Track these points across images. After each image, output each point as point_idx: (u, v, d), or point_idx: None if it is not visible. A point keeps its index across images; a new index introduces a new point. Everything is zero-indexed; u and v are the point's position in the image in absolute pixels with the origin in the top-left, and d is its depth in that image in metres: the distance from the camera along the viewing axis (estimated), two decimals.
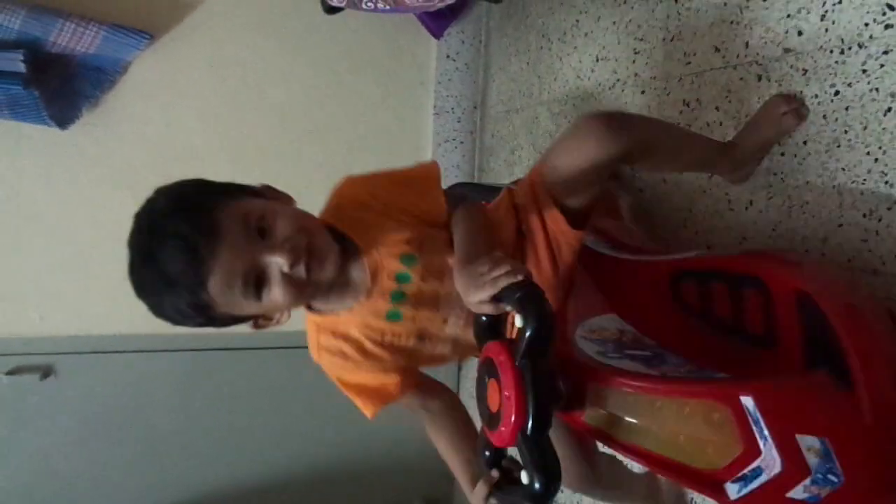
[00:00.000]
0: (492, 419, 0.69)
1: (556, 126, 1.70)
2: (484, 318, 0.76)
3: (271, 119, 1.97)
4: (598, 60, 1.50)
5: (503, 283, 0.68)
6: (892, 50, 0.83)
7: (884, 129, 0.85)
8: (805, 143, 0.96)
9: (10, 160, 1.70)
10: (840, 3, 0.90)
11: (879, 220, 0.86)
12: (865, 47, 0.87)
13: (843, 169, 0.90)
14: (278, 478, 2.22)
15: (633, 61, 1.37)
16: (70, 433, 1.94)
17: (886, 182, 0.85)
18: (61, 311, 1.83)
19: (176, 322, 0.77)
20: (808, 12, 0.95)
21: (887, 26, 0.84)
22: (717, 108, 1.13)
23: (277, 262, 0.75)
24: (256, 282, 0.76)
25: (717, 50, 1.13)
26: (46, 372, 1.85)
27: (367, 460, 2.26)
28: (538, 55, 1.78)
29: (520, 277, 0.68)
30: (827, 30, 0.92)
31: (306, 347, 0.96)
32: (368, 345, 0.90)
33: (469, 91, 2.17)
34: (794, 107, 0.95)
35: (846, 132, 0.90)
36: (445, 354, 0.96)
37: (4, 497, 1.92)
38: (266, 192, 0.85)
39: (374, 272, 0.87)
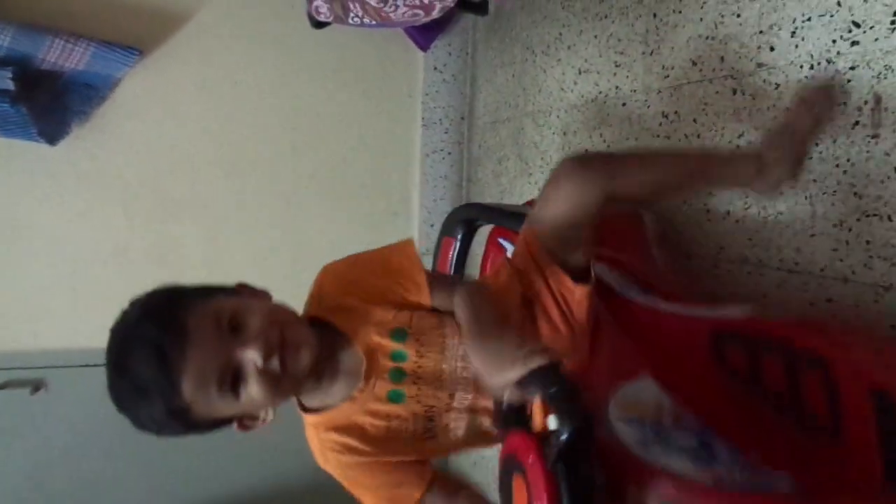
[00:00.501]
0: None
1: (541, 137, 1.72)
2: (505, 404, 0.69)
3: (262, 132, 1.98)
4: (580, 73, 1.53)
5: (532, 364, 0.64)
6: (858, 66, 0.86)
7: (852, 142, 0.87)
8: None
9: (3, 177, 1.72)
10: (809, 20, 0.93)
11: (850, 231, 0.88)
12: (833, 63, 0.89)
13: (814, 181, 0.93)
14: (276, 487, 2.22)
15: (615, 74, 1.39)
16: (61, 447, 1.95)
17: (855, 193, 0.87)
18: (52, 325, 1.84)
19: (158, 432, 0.75)
20: (780, 29, 0.98)
21: (853, 43, 0.87)
22: (694, 121, 1.16)
23: (250, 357, 0.74)
24: (233, 380, 0.74)
25: (695, 64, 1.16)
26: (37, 386, 1.85)
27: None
28: (523, 67, 1.81)
29: (549, 360, 0.63)
30: (797, 46, 0.95)
31: None
32: (375, 432, 0.85)
33: (456, 102, 2.19)
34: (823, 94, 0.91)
35: (817, 145, 0.92)
36: (459, 438, 0.90)
37: None
38: (241, 291, 0.84)
39: (368, 354, 0.85)
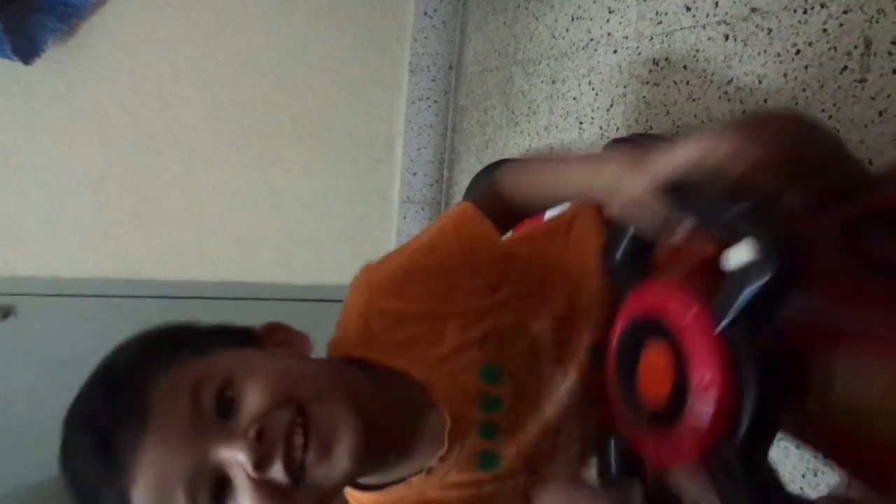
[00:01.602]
0: (654, 414, 0.42)
1: (529, 86, 1.71)
2: (628, 240, 0.49)
3: (246, 70, 1.94)
4: (573, 20, 1.51)
5: (701, 153, 0.42)
6: (851, 10, 0.87)
7: (839, 87, 0.88)
8: (766, 101, 1.00)
9: None
10: None
11: None
12: (826, 7, 0.90)
13: None
14: None
15: (608, 21, 1.38)
16: (31, 377, 1.93)
17: None
18: (25, 251, 1.81)
19: None
20: None
21: None
22: (684, 68, 1.16)
23: (235, 460, 0.49)
24: (217, 488, 0.49)
25: (688, 9, 1.16)
26: (6, 312, 1.83)
27: None
28: (515, 14, 1.79)
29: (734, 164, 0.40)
30: None
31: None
32: None
33: (445, 50, 2.16)
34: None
35: (804, 90, 0.93)
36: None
37: None
38: (268, 337, 0.60)
39: (451, 406, 0.60)
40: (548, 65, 1.63)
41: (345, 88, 2.07)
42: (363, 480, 0.62)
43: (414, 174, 2.16)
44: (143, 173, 1.87)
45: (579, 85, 1.48)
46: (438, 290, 0.64)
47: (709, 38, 1.11)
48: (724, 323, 0.38)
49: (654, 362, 0.42)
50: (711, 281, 0.40)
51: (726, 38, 1.07)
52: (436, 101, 2.19)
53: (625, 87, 1.32)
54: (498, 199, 0.68)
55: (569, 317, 0.67)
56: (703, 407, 0.38)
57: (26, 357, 1.90)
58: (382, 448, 0.57)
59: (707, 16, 1.11)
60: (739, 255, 0.37)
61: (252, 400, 0.51)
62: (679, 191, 0.43)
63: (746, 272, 0.37)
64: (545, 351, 0.65)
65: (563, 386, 0.64)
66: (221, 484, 0.50)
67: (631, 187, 0.46)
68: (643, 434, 0.44)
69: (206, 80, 1.89)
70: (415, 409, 0.60)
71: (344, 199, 2.22)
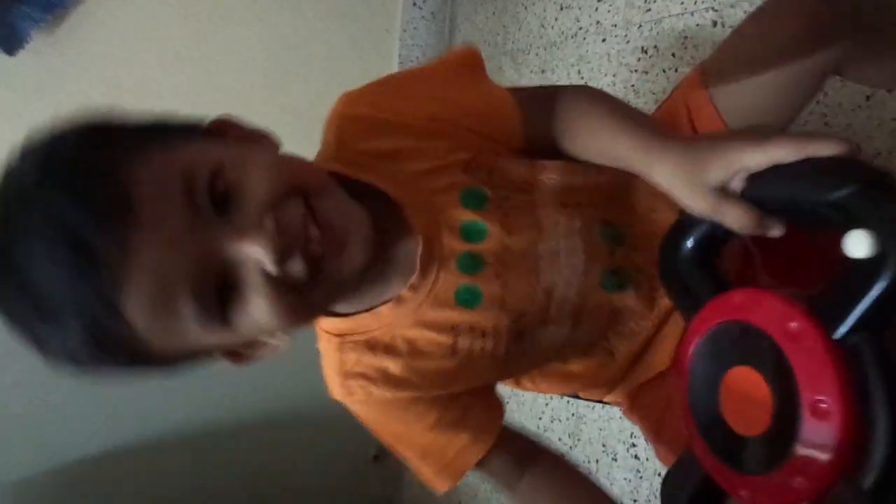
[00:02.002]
0: (747, 446, 0.34)
1: (519, 76, 1.71)
2: (701, 234, 0.44)
3: (234, 61, 1.93)
4: (562, 9, 1.51)
5: (796, 152, 0.36)
6: None
7: None
8: None
9: None
10: None
11: None
12: None
13: None
14: (229, 423, 2.22)
15: (596, 9, 1.38)
16: (22, 370, 1.92)
17: (826, 123, 0.89)
18: None
19: (80, 368, 0.45)
20: None
21: None
22: (673, 55, 1.16)
23: (253, 256, 0.44)
24: (218, 291, 0.44)
25: None
26: None
27: (319, 407, 2.28)
28: (504, 4, 1.78)
29: (838, 149, 0.35)
30: None
31: None
32: (431, 354, 0.57)
33: (434, 41, 2.16)
34: None
35: None
36: (554, 347, 0.61)
37: None
38: (227, 130, 0.52)
39: (426, 231, 0.54)
40: (537, 54, 1.62)
41: (334, 80, 2.06)
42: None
43: None
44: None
45: (568, 74, 1.48)
46: (423, 108, 0.58)
47: (697, 25, 1.10)
48: (841, 330, 0.29)
49: (744, 381, 0.34)
50: (815, 281, 0.33)
51: (714, 24, 1.07)
52: None
53: (614, 75, 1.32)
54: (546, 109, 0.58)
55: (577, 170, 0.60)
56: (818, 438, 0.29)
57: (15, 353, 1.88)
58: (363, 269, 0.52)
59: (695, 2, 1.11)
60: (855, 247, 0.30)
61: (256, 190, 0.45)
62: (772, 182, 0.37)
63: (866, 268, 0.30)
64: (545, 192, 0.58)
65: (564, 242, 0.57)
66: (225, 285, 0.45)
67: (710, 179, 0.41)
68: (730, 471, 0.35)
69: (192, 70, 1.88)
70: (388, 231, 0.54)
71: None
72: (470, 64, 0.61)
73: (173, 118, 0.51)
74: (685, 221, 0.45)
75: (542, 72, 1.60)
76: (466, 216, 0.55)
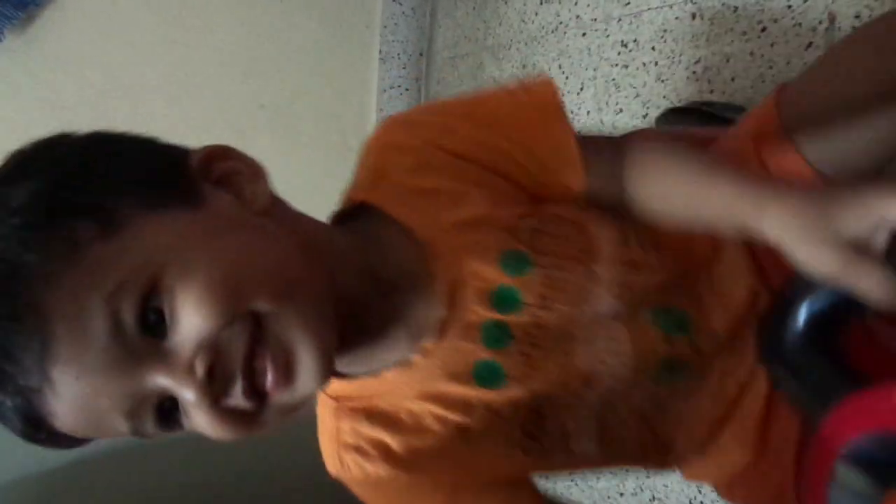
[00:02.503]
0: None
1: (500, 71, 1.70)
2: (817, 310, 0.36)
3: (211, 57, 1.91)
4: (542, 3, 1.50)
5: None
6: None
7: (804, 62, 0.88)
8: (733, 79, 1.00)
9: None
10: None
11: None
12: None
13: None
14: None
15: (576, 3, 1.38)
16: None
17: None
18: None
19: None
20: None
21: None
22: (653, 48, 1.16)
23: (183, 397, 0.40)
24: (162, 406, 0.41)
25: None
26: None
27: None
28: None
29: None
30: None
31: None
32: (438, 431, 0.50)
33: (415, 37, 2.14)
34: None
35: (770, 68, 0.93)
36: (586, 453, 0.52)
37: None
38: (207, 168, 0.46)
39: (451, 288, 0.48)
40: (518, 49, 1.62)
41: (314, 76, 2.04)
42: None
43: None
44: None
45: (549, 69, 1.47)
46: (474, 149, 0.51)
47: (676, 18, 1.10)
48: None
49: None
50: None
51: (693, 16, 1.07)
52: (407, 89, 2.17)
53: (594, 69, 1.31)
54: (613, 163, 0.51)
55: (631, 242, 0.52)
56: None
57: None
58: (355, 333, 0.47)
59: None
60: None
61: (192, 317, 0.38)
62: None
63: None
64: (598, 263, 0.50)
65: (604, 327, 0.50)
66: (166, 404, 0.41)
67: (842, 229, 0.33)
68: None
69: (168, 67, 1.85)
70: (405, 280, 0.48)
71: (314, 188, 2.20)
72: (543, 102, 0.52)
73: (140, 163, 0.44)
74: (797, 290, 0.36)
75: (524, 67, 1.59)
76: (503, 280, 0.48)
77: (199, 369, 0.39)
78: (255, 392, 0.41)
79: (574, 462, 0.53)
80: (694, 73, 1.06)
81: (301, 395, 0.43)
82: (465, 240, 0.48)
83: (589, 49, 1.33)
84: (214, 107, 1.92)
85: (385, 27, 2.09)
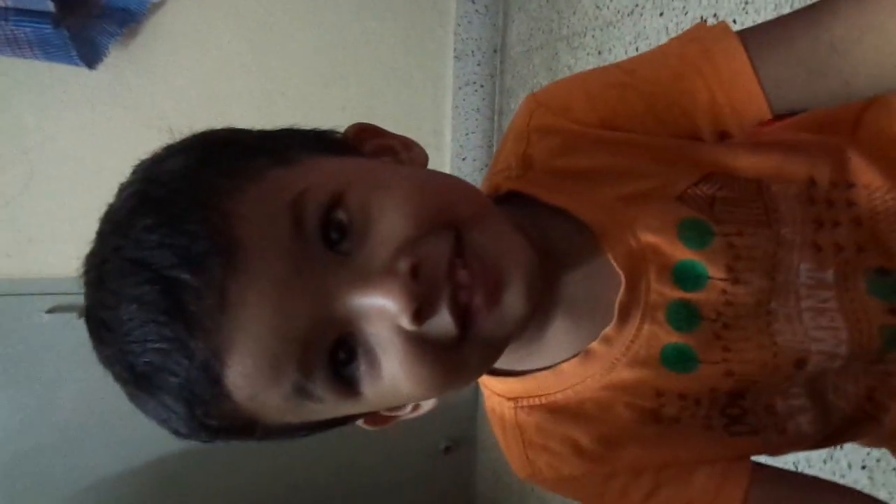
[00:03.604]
0: None
1: (576, 60, 1.70)
2: None
3: (293, 65, 1.99)
4: None
5: None
6: None
7: None
8: None
9: (45, 105, 1.76)
10: None
11: None
12: None
13: None
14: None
15: None
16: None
17: None
18: None
19: (185, 439, 0.40)
20: None
21: None
22: (734, 21, 1.13)
23: (382, 308, 0.35)
24: (335, 357, 0.37)
25: None
26: (84, 311, 1.92)
27: None
28: None
29: None
30: None
31: None
32: (631, 419, 0.46)
33: (488, 34, 2.17)
34: None
35: None
36: (800, 433, 0.47)
37: (51, 433, 2.01)
38: (364, 139, 0.44)
39: (628, 268, 0.43)
40: (593, 36, 1.61)
41: (391, 78, 2.09)
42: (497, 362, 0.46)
43: (464, 159, 2.17)
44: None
45: (626, 52, 1.46)
46: (632, 115, 0.46)
47: None
48: None
49: None
50: None
51: None
52: (482, 86, 2.19)
53: None
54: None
55: (838, 183, 0.46)
56: None
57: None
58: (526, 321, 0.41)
59: None
60: None
61: (390, 222, 0.36)
62: None
63: None
64: (792, 226, 0.45)
65: (808, 299, 0.44)
66: (341, 356, 0.36)
67: None
68: None
69: (256, 77, 1.95)
70: (575, 261, 0.44)
71: None
72: (696, 35, 0.45)
73: (296, 128, 0.43)
74: None
75: (599, 53, 1.59)
76: (684, 254, 0.43)
77: (403, 268, 0.35)
78: (461, 315, 0.37)
79: (788, 443, 0.48)
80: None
81: (509, 321, 0.38)
82: (635, 214, 0.44)
83: (667, 28, 1.31)
84: (299, 111, 2.00)
85: (459, 25, 2.12)
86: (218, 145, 0.40)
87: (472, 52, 2.16)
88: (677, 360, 0.44)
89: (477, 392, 0.45)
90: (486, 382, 0.49)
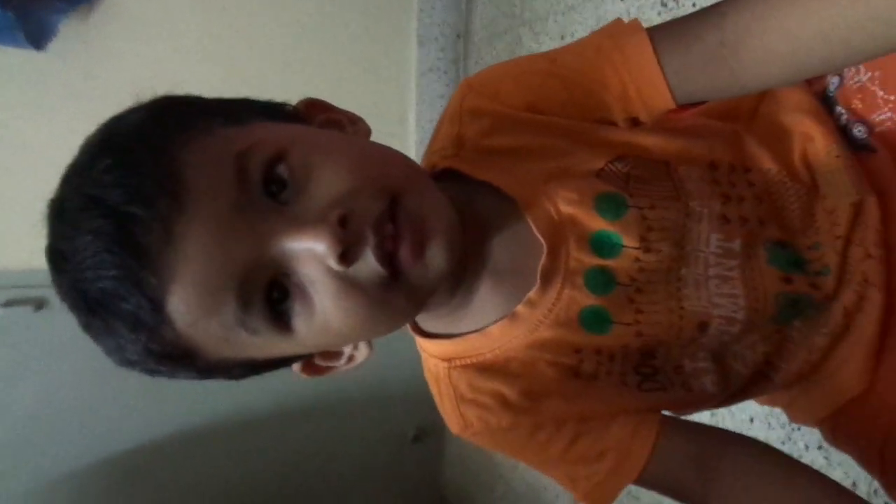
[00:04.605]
0: None
1: (539, 45, 1.70)
2: None
3: (253, 49, 1.96)
4: None
5: None
6: None
7: None
8: None
9: None
10: None
11: None
12: None
13: None
14: (270, 409, 2.25)
15: None
16: (67, 365, 1.98)
17: None
18: None
19: (148, 374, 0.44)
20: None
21: None
22: (693, 5, 1.14)
23: (311, 251, 0.39)
24: (270, 293, 0.40)
25: None
26: (39, 304, 1.87)
27: (358, 390, 2.31)
28: None
29: None
30: None
31: None
32: (552, 376, 0.51)
33: (452, 19, 2.15)
34: None
35: None
36: (707, 390, 0.53)
37: (11, 429, 1.96)
38: (314, 112, 0.50)
39: (550, 235, 0.48)
40: (555, 21, 1.61)
41: (353, 63, 2.07)
42: (430, 327, 0.53)
43: None
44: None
45: None
46: (553, 99, 0.50)
47: None
48: None
49: None
50: None
51: None
52: (446, 72, 2.18)
53: None
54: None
55: (737, 167, 0.53)
56: None
57: (62, 347, 1.94)
58: (457, 282, 0.47)
59: None
60: None
61: (326, 179, 0.40)
62: None
63: None
64: (699, 199, 0.50)
65: (715, 267, 0.49)
66: (275, 294, 0.40)
67: None
68: None
69: (214, 61, 1.91)
70: (501, 232, 0.49)
71: None
72: (613, 30, 0.50)
73: (251, 98, 0.48)
74: None
75: (562, 38, 1.59)
76: (600, 225, 0.48)
77: (332, 216, 0.39)
78: (386, 260, 0.41)
79: (695, 400, 0.54)
80: None
81: (432, 274, 0.42)
82: (555, 189, 0.48)
83: (629, 12, 1.32)
84: (259, 97, 1.96)
85: (422, 10, 2.10)
86: (176, 105, 0.45)
87: (436, 37, 2.15)
88: (594, 321, 0.49)
89: None
90: (423, 346, 0.54)
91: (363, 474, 2.37)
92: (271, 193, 0.40)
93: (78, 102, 1.77)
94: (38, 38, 1.57)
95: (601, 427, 0.51)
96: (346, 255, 0.39)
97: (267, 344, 0.42)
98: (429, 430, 2.40)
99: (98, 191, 0.39)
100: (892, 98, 0.54)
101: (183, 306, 0.39)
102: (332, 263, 0.39)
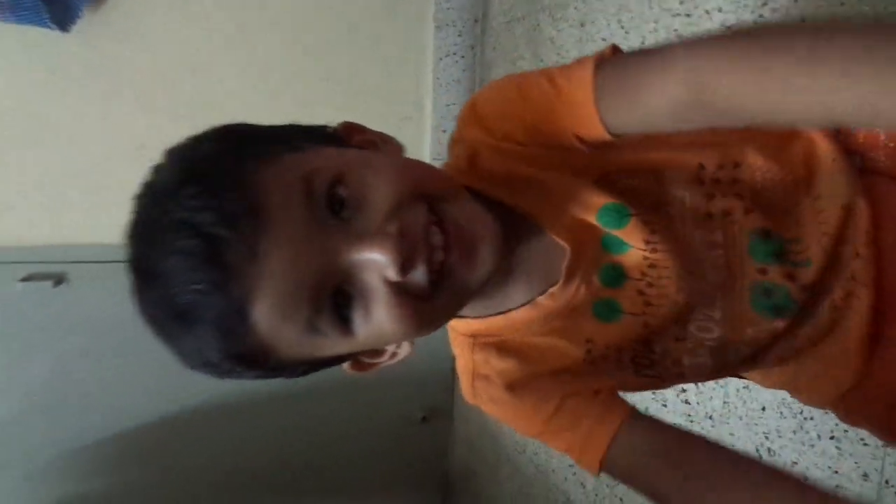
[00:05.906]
0: None
1: (558, 31, 1.70)
2: None
3: (274, 34, 1.96)
4: None
5: None
6: None
7: None
8: (803, 20, 0.98)
9: (17, 68, 1.71)
10: None
11: None
12: None
13: None
14: (281, 389, 2.27)
15: None
16: (84, 340, 2.01)
17: None
18: (74, 219, 1.87)
19: (218, 375, 0.49)
20: None
21: None
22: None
23: (375, 261, 0.44)
24: (336, 300, 0.45)
25: None
26: (59, 279, 1.90)
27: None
28: None
29: None
30: None
31: None
32: (561, 364, 0.58)
33: (470, 4, 2.15)
34: None
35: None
36: (702, 363, 0.58)
37: (24, 402, 1.99)
38: (351, 134, 0.54)
39: (572, 243, 0.54)
40: (575, 8, 1.61)
41: (372, 48, 2.07)
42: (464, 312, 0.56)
43: (444, 131, 2.17)
44: (181, 138, 1.92)
45: (609, 25, 1.47)
46: (529, 133, 0.54)
47: None
48: None
49: None
50: None
51: None
52: (463, 57, 2.18)
53: (655, 22, 1.30)
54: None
55: (725, 164, 0.57)
56: None
57: (79, 322, 1.97)
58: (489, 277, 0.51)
59: None
60: None
61: (378, 195, 0.46)
62: None
63: None
64: (680, 206, 0.55)
65: (708, 259, 0.55)
66: (344, 293, 0.46)
67: None
68: None
69: (236, 45, 1.92)
70: (524, 236, 0.55)
71: None
72: (570, 67, 0.53)
73: (298, 124, 0.53)
74: None
75: (582, 25, 1.59)
76: (603, 230, 0.54)
77: (391, 228, 0.45)
78: (436, 271, 0.47)
79: (684, 380, 0.60)
80: (761, 16, 1.05)
81: (482, 273, 0.48)
82: (565, 203, 0.54)
83: (650, 1, 1.32)
84: (280, 81, 1.97)
85: None
86: (242, 135, 0.49)
87: (454, 22, 2.15)
88: (606, 311, 0.56)
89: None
90: (453, 324, 0.60)
91: (372, 455, 2.40)
92: (334, 211, 0.45)
93: (100, 83, 1.79)
94: (62, 19, 1.59)
95: (580, 404, 0.57)
96: (405, 265, 0.44)
97: (330, 344, 0.47)
98: (437, 412, 2.43)
99: (187, 215, 0.43)
100: (892, 145, 0.58)
101: (265, 314, 0.44)
102: (391, 273, 0.44)
